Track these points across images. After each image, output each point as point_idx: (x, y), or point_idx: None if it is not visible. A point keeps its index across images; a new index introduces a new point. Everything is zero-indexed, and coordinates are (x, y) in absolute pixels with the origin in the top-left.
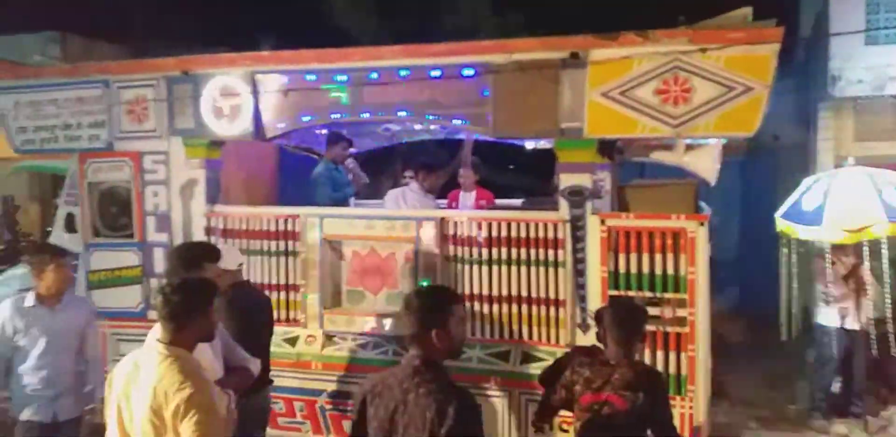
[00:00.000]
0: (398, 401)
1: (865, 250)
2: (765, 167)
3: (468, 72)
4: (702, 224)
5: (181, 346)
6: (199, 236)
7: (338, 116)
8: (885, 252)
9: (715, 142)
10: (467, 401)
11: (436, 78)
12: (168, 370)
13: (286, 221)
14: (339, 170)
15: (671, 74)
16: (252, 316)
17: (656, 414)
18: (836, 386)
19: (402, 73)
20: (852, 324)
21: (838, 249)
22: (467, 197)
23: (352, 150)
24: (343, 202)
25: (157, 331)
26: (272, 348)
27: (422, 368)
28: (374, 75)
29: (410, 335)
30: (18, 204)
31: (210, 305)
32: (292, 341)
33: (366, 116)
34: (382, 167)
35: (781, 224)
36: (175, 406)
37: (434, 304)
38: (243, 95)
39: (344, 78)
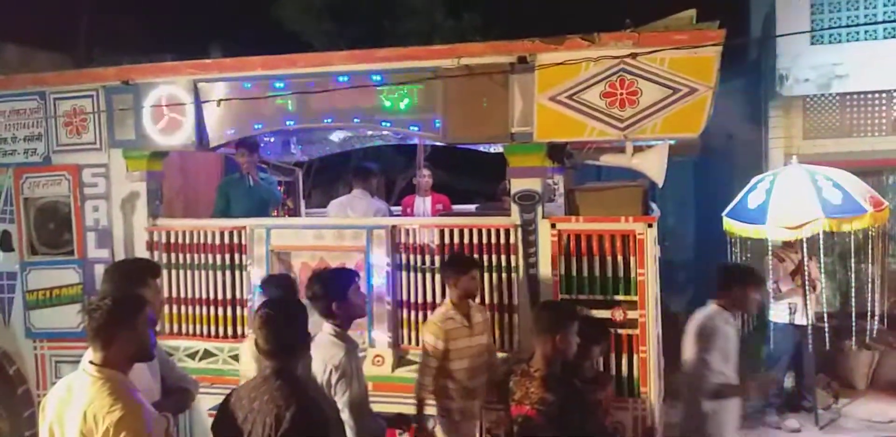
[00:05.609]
0: (247, 410)
1: (804, 246)
2: (720, 166)
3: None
4: (650, 226)
5: (113, 367)
6: (141, 251)
7: (284, 123)
8: (825, 248)
9: (663, 143)
10: (307, 408)
11: (384, 84)
12: (98, 393)
13: (232, 233)
14: (245, 178)
15: (617, 76)
16: None
17: (573, 429)
18: (788, 381)
19: (348, 79)
20: (801, 319)
21: (786, 245)
22: (423, 202)
23: (301, 157)
24: (260, 212)
25: (89, 353)
26: (218, 366)
27: (271, 377)
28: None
29: (268, 350)
30: None
31: (137, 321)
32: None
33: (314, 123)
34: (337, 174)
35: (728, 223)
36: (105, 430)
37: (292, 318)
38: (186, 104)
39: (286, 85)
